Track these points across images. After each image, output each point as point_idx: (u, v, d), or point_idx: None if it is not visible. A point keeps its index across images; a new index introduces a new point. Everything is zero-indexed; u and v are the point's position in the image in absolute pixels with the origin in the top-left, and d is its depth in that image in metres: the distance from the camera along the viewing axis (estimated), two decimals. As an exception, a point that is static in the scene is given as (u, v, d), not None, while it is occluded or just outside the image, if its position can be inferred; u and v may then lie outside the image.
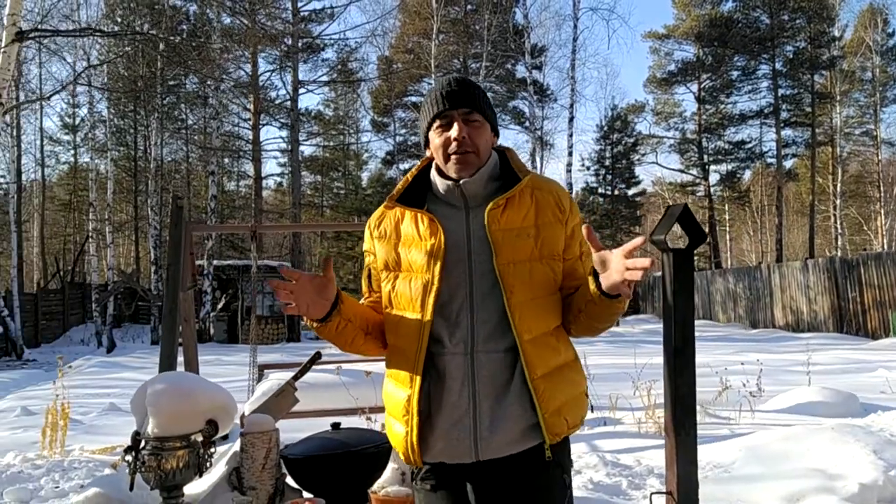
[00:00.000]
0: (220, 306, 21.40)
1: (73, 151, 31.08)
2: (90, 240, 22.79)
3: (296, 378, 2.76)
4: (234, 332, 20.75)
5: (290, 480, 2.61)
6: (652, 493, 2.97)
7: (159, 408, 2.37)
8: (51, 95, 20.87)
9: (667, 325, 2.86)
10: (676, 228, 3.06)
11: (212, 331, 21.11)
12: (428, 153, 1.86)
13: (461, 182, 1.77)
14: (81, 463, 5.37)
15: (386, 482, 3.51)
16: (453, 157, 1.76)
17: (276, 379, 5.87)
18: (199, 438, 2.47)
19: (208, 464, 2.50)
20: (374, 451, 2.49)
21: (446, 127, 1.77)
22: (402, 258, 1.79)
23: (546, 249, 1.76)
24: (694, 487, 2.90)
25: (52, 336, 23.07)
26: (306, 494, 2.55)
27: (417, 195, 1.86)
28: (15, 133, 23.36)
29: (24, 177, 26.97)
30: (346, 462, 2.47)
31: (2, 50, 3.58)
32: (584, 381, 1.88)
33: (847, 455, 4.36)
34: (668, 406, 2.94)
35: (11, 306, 19.53)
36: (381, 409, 4.46)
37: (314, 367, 2.95)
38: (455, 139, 1.75)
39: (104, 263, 22.87)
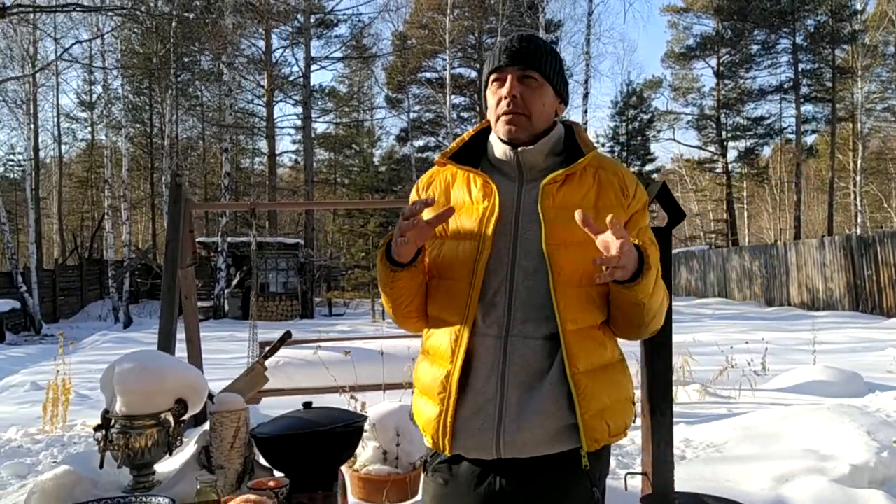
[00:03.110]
0: (234, 283, 21.54)
1: (89, 128, 31.25)
2: (107, 217, 22.96)
3: (265, 357, 2.76)
4: (248, 309, 20.83)
5: (261, 459, 2.62)
6: (626, 473, 2.96)
7: (126, 386, 2.37)
8: (36, 72, 20.90)
9: (643, 306, 2.84)
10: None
11: (226, 307, 21.27)
12: (488, 114, 1.73)
13: (520, 150, 1.63)
14: (81, 438, 5.45)
15: (367, 461, 3.54)
16: (502, 117, 1.63)
17: (275, 356, 5.91)
18: (170, 417, 2.47)
19: (179, 442, 2.51)
20: (343, 430, 2.49)
21: (500, 84, 1.65)
22: (450, 223, 1.64)
23: None
24: (669, 468, 2.89)
25: (70, 312, 23.37)
26: (277, 473, 2.56)
27: (472, 157, 1.72)
28: (31, 110, 23.53)
29: (41, 153, 27.27)
30: (314, 441, 2.47)
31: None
32: (630, 386, 1.69)
33: (841, 436, 4.32)
34: (644, 388, 2.93)
35: (29, 282, 19.78)
36: (361, 388, 4.50)
37: (290, 346, 2.95)
38: (505, 97, 1.62)
39: (120, 240, 23.06)
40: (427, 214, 1.62)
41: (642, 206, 1.68)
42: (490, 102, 1.68)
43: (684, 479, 3.88)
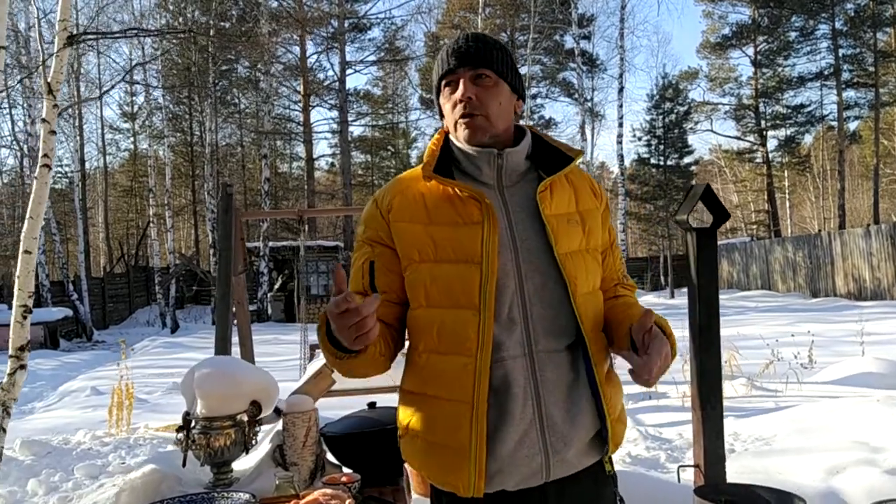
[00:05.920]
0: (276, 287, 21.91)
1: (132, 139, 32.01)
2: (151, 224, 23.55)
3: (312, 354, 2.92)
4: (291, 312, 21.25)
5: (330, 457, 2.77)
6: (679, 466, 3.05)
7: (206, 390, 2.54)
8: (102, 95, 21.58)
9: (691, 304, 2.93)
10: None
11: (269, 311, 21.65)
12: (444, 123, 1.61)
13: (506, 151, 1.52)
14: (146, 440, 5.70)
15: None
16: (460, 121, 1.51)
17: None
18: (245, 418, 2.63)
19: (254, 441, 2.67)
20: (407, 428, 2.63)
21: (453, 88, 1.54)
22: (438, 243, 1.47)
23: (592, 239, 1.56)
24: (720, 460, 2.97)
25: (119, 318, 24.02)
26: (346, 469, 2.71)
27: (442, 167, 1.56)
28: (77, 123, 24.23)
29: (87, 165, 28.01)
30: (379, 439, 2.61)
31: (55, 54, 3.79)
32: None
33: (891, 427, 4.34)
34: (694, 382, 3.02)
35: (80, 290, 20.42)
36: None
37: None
38: (460, 100, 1.51)
39: (165, 247, 23.62)
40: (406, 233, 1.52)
41: (607, 205, 1.67)
42: (445, 109, 1.57)
43: (735, 472, 3.94)
